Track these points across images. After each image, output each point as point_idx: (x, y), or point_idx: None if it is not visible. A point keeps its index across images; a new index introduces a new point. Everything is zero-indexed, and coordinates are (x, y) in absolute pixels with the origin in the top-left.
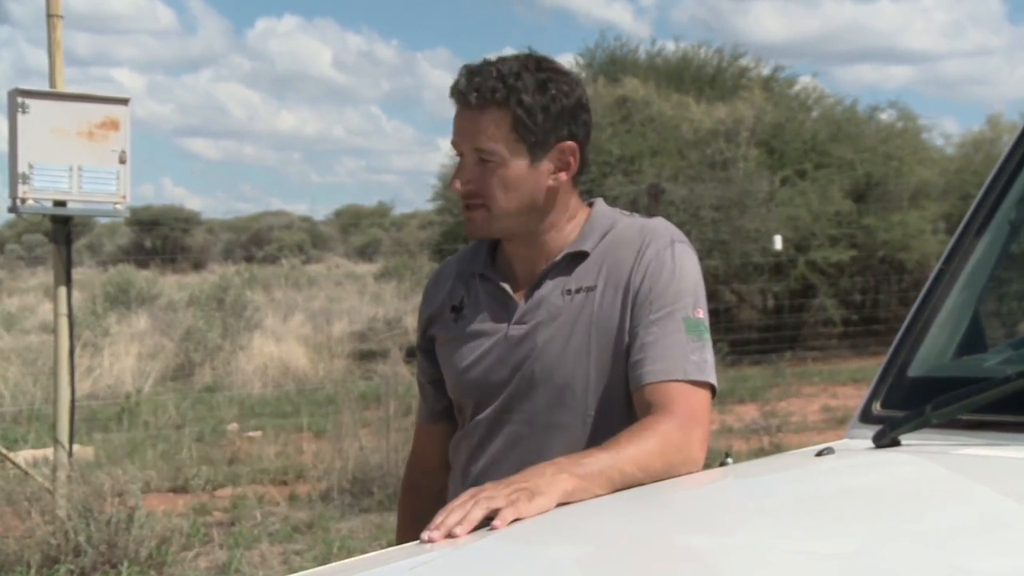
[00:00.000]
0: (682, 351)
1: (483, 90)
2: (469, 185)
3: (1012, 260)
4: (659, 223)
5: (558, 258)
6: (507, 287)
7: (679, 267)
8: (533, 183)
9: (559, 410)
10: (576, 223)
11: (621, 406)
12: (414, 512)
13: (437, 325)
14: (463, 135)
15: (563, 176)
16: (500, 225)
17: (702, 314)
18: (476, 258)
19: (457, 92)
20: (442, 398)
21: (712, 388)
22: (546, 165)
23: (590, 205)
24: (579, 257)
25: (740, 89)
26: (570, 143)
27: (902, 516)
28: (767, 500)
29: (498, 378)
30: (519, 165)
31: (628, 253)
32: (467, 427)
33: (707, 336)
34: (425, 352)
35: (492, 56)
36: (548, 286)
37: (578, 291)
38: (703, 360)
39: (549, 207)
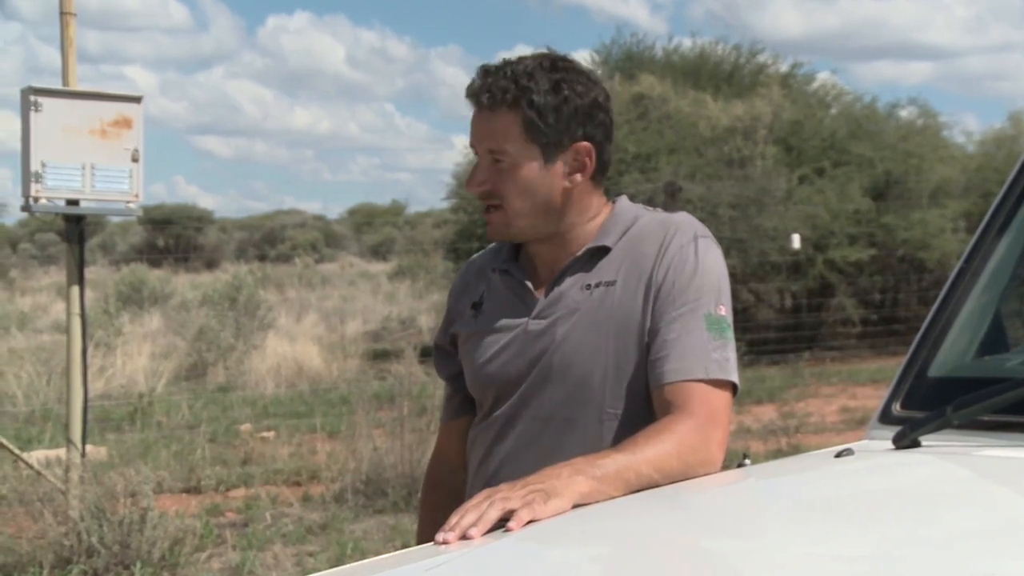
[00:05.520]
0: (703, 349)
1: (495, 91)
2: (484, 186)
3: None
4: (683, 217)
5: (579, 254)
6: (528, 283)
7: (702, 262)
8: (547, 184)
9: (576, 406)
10: (599, 221)
11: (639, 404)
12: (436, 508)
13: (459, 323)
14: (478, 136)
15: (578, 177)
16: (518, 226)
17: (725, 311)
18: (498, 255)
19: (471, 93)
20: (461, 393)
21: (734, 387)
22: (560, 166)
23: (614, 202)
24: (600, 252)
25: (758, 86)
26: (585, 144)
27: (922, 518)
28: (785, 502)
29: (516, 372)
30: (532, 166)
31: (651, 247)
32: (484, 423)
33: (730, 334)
34: (442, 350)
35: (508, 55)
36: (568, 282)
37: (598, 286)
38: (725, 358)
39: (567, 208)
